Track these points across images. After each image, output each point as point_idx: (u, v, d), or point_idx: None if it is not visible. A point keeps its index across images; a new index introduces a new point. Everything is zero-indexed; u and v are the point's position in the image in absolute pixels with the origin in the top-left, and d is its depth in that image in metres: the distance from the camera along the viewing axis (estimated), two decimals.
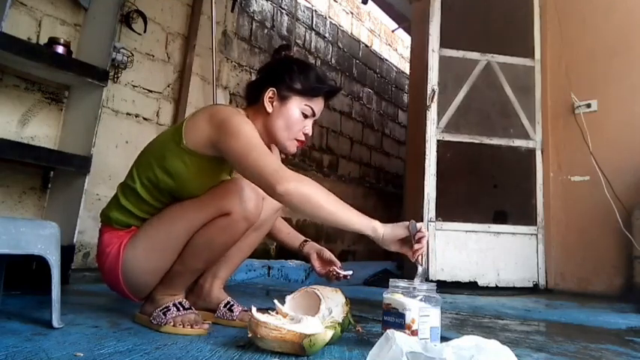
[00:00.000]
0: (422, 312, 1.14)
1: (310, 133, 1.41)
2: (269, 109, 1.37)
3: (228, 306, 1.44)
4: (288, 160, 4.11)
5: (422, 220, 3.19)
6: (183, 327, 1.25)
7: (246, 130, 1.22)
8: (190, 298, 1.44)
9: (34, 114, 2.25)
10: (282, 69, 1.40)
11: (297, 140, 1.39)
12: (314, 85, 1.37)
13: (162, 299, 1.31)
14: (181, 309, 1.29)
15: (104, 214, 1.39)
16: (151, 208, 1.34)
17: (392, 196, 5.51)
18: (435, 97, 3.35)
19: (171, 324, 1.25)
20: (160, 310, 1.28)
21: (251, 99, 1.42)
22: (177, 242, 1.29)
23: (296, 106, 1.36)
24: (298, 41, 4.35)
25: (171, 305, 1.29)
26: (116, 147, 2.59)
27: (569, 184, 3.39)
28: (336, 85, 1.45)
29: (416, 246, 1.19)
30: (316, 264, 1.54)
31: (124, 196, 1.35)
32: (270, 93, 1.37)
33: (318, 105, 1.40)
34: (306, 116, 1.38)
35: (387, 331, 0.91)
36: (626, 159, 3.11)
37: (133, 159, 1.41)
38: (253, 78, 2.73)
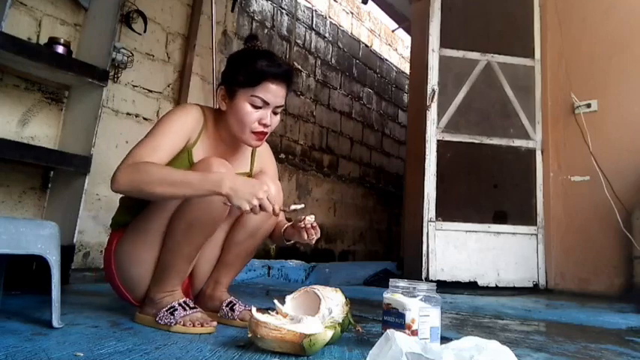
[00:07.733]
0: (422, 312, 1.14)
1: (270, 123, 1.35)
2: (223, 107, 1.38)
3: (230, 305, 1.44)
4: (289, 161, 4.12)
5: (422, 221, 3.19)
6: (193, 326, 1.26)
7: (161, 128, 1.30)
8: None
9: (34, 114, 2.25)
10: (228, 64, 1.41)
11: (255, 133, 1.35)
12: (256, 72, 1.31)
13: (163, 299, 1.31)
14: (187, 308, 1.29)
15: (113, 220, 1.43)
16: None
17: (392, 196, 5.50)
18: (435, 97, 3.35)
19: (181, 323, 1.26)
20: (167, 311, 1.28)
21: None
22: (156, 225, 1.30)
23: (243, 99, 1.33)
24: (298, 41, 4.35)
25: (177, 305, 1.29)
26: (116, 147, 2.59)
27: (569, 184, 3.39)
28: (282, 65, 1.36)
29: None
30: (295, 237, 1.42)
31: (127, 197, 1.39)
32: (221, 92, 1.38)
33: (268, 92, 1.32)
34: (257, 107, 1.33)
35: (387, 331, 0.91)
36: (626, 159, 3.11)
37: None
38: None
